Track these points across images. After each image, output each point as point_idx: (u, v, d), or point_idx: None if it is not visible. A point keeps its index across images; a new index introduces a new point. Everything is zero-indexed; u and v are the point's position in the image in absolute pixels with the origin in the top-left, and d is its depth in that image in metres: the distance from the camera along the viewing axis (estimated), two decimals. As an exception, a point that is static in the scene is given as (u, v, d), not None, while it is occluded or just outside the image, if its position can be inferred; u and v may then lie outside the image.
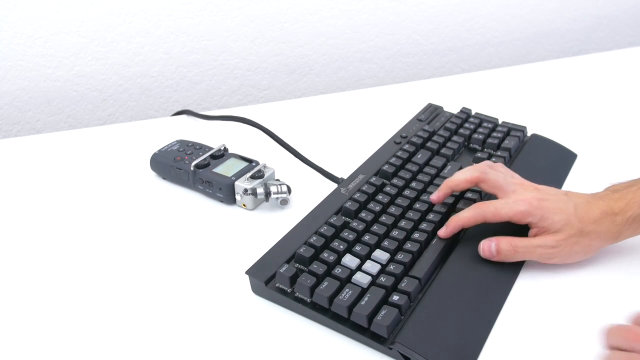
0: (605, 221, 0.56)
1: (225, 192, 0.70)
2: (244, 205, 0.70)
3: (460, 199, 0.65)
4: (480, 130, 0.78)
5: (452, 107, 0.87)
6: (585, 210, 0.57)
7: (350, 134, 0.86)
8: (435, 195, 0.64)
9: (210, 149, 0.76)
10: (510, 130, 0.78)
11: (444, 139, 0.77)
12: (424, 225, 0.61)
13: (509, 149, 0.74)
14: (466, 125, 0.79)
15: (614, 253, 0.60)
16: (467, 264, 0.58)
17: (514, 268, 0.59)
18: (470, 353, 0.50)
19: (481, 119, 0.81)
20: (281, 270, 0.55)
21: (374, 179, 0.68)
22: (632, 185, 0.58)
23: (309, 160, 0.74)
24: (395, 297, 0.52)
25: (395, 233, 0.60)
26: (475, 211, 0.59)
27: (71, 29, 0.94)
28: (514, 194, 0.59)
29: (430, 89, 1.00)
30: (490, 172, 0.61)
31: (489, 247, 0.58)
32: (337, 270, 0.55)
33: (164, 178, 0.76)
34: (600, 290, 0.57)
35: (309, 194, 0.71)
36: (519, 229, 0.59)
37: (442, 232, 0.60)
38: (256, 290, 0.57)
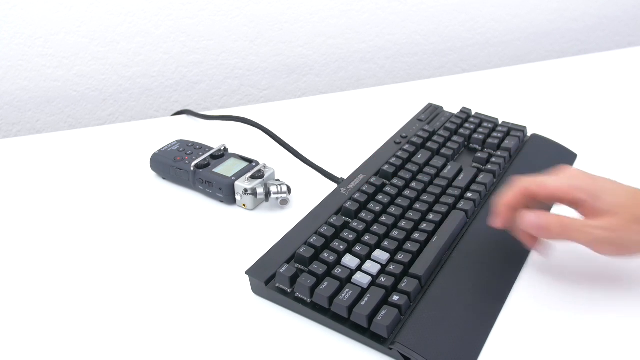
0: None
1: (225, 192, 0.70)
2: (244, 205, 0.70)
3: (461, 199, 0.65)
4: (481, 130, 0.78)
5: (452, 107, 0.87)
6: None
7: (350, 134, 0.86)
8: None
9: (210, 149, 0.76)
10: (511, 130, 0.78)
11: (444, 139, 0.77)
12: (424, 226, 0.61)
13: (509, 149, 0.74)
14: (466, 125, 0.79)
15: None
16: (467, 264, 0.58)
17: (514, 268, 0.59)
18: (470, 353, 0.50)
19: (481, 119, 0.81)
20: (281, 271, 0.55)
21: (374, 179, 0.68)
22: None
23: (309, 160, 0.74)
24: (395, 297, 0.52)
25: (395, 233, 0.60)
26: (517, 187, 0.54)
27: (71, 29, 0.94)
28: (562, 173, 0.54)
29: (430, 89, 1.00)
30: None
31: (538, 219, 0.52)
32: (337, 271, 0.55)
33: (164, 178, 0.76)
34: (601, 290, 0.56)
35: (309, 194, 0.71)
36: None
37: (498, 223, 0.56)
38: (256, 290, 0.57)
